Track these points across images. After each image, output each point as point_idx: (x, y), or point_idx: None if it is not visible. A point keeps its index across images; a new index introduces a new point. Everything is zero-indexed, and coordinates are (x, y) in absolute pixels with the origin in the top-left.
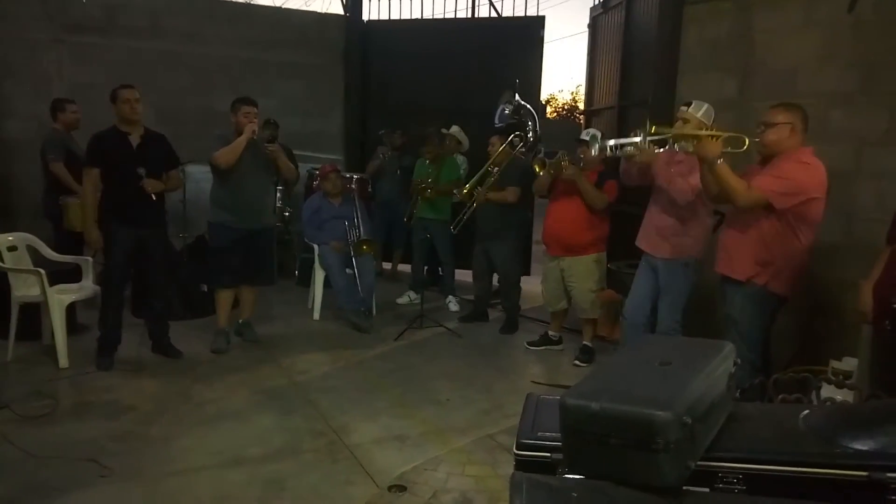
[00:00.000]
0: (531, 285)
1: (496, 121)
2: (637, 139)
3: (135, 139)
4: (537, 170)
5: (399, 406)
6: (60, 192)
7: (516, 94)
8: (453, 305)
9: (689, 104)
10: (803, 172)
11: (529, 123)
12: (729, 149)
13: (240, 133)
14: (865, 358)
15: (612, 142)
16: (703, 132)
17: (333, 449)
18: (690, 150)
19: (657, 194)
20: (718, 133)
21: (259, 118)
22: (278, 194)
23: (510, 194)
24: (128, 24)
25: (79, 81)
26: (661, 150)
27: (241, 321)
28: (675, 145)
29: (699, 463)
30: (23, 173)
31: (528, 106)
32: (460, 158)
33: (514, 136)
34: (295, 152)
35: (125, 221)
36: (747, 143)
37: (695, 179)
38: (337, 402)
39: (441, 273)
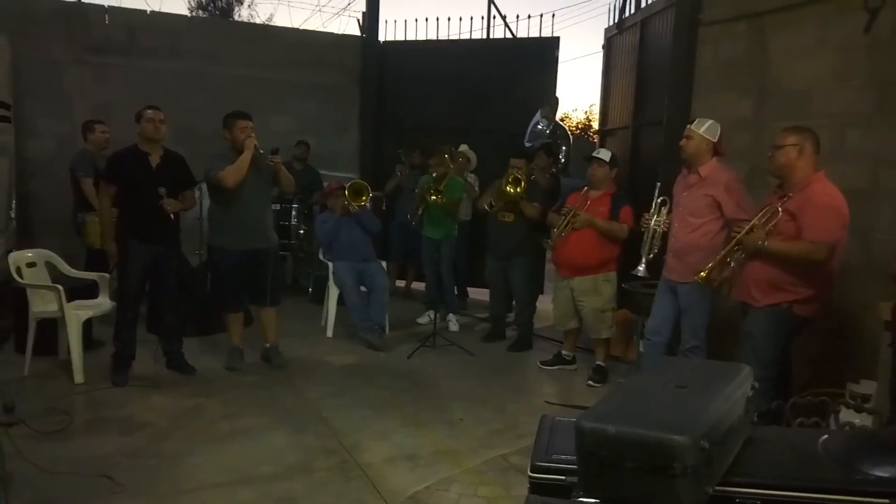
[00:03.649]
0: (544, 304)
1: (527, 139)
2: (651, 225)
3: (154, 159)
4: (555, 237)
5: (411, 425)
6: (89, 209)
7: (555, 113)
8: (453, 325)
9: (692, 121)
10: (837, 201)
11: (563, 148)
12: (772, 226)
13: (237, 150)
14: (884, 381)
15: (644, 255)
16: (740, 232)
17: (346, 468)
18: (744, 255)
19: (675, 220)
20: (749, 224)
21: (274, 133)
22: (293, 212)
23: (534, 209)
24: (148, 45)
25: (99, 101)
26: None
27: (267, 346)
28: (730, 260)
29: (716, 488)
30: (43, 191)
31: (564, 127)
32: (471, 177)
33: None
34: None
35: (142, 239)
36: (780, 211)
37: (745, 213)
38: (349, 421)
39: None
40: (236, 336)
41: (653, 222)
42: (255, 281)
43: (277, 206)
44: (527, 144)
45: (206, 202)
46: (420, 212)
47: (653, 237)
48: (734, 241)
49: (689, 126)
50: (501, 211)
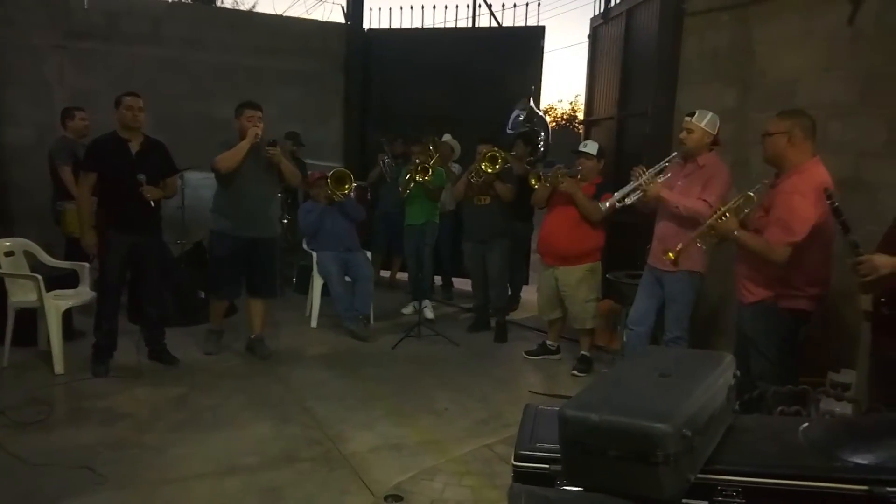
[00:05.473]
0: (529, 294)
1: (508, 127)
2: (640, 181)
3: (134, 146)
4: (533, 183)
5: (396, 415)
6: (69, 197)
7: (531, 101)
8: (429, 312)
9: (692, 114)
10: (798, 202)
11: (542, 134)
12: (746, 211)
13: (243, 137)
14: (864, 370)
15: (617, 196)
16: (712, 218)
17: (330, 458)
18: (716, 241)
19: (662, 209)
20: (724, 209)
21: (264, 123)
22: None
23: (508, 190)
24: (129, 30)
25: (80, 88)
26: (663, 178)
27: (252, 336)
28: (699, 242)
29: (698, 476)
30: (22, 179)
31: (541, 114)
32: (455, 167)
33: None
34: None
35: (121, 228)
36: (755, 198)
37: (706, 196)
38: (334, 411)
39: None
40: (217, 319)
41: (645, 177)
42: (252, 270)
43: None
44: (508, 131)
45: (189, 191)
46: (409, 186)
47: (634, 189)
48: (707, 225)
49: (688, 119)
50: (477, 195)
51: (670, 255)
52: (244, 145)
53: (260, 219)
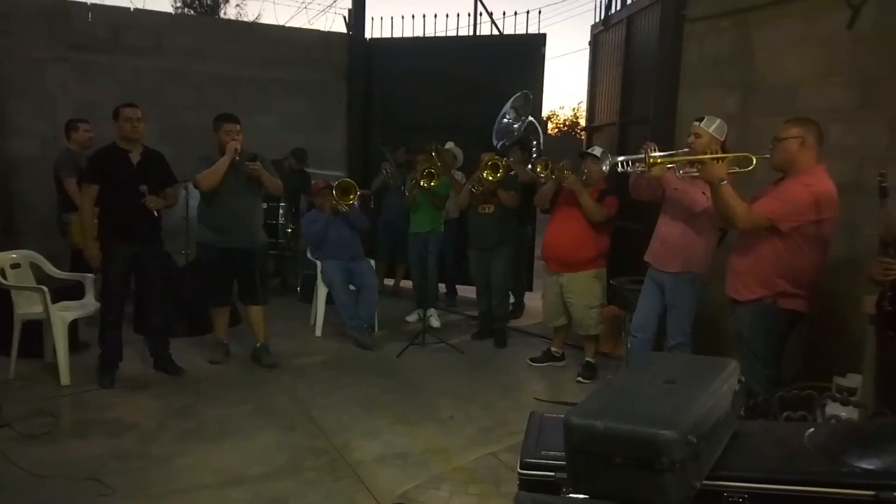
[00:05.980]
0: (534, 301)
1: (494, 138)
2: (647, 154)
3: (135, 157)
4: (539, 170)
5: (401, 423)
6: (74, 209)
7: (529, 116)
8: (434, 321)
9: (701, 119)
10: (805, 194)
11: (535, 142)
12: (737, 169)
13: (223, 152)
14: (870, 374)
15: (621, 158)
16: (707, 156)
17: (335, 467)
18: (694, 173)
19: (666, 207)
20: (722, 155)
21: (248, 133)
22: (281, 211)
23: (512, 197)
24: (132, 42)
25: (83, 99)
26: (670, 166)
27: (258, 345)
28: (679, 170)
29: (704, 482)
30: (27, 191)
31: (533, 120)
32: (458, 174)
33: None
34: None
35: (124, 238)
36: (754, 161)
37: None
38: (339, 420)
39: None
40: (221, 331)
41: (655, 152)
42: (240, 279)
43: (265, 206)
44: (496, 143)
45: (192, 201)
46: (415, 192)
47: (639, 160)
48: (697, 157)
49: (696, 123)
50: (481, 203)
51: (652, 159)
52: (224, 162)
53: (242, 230)
